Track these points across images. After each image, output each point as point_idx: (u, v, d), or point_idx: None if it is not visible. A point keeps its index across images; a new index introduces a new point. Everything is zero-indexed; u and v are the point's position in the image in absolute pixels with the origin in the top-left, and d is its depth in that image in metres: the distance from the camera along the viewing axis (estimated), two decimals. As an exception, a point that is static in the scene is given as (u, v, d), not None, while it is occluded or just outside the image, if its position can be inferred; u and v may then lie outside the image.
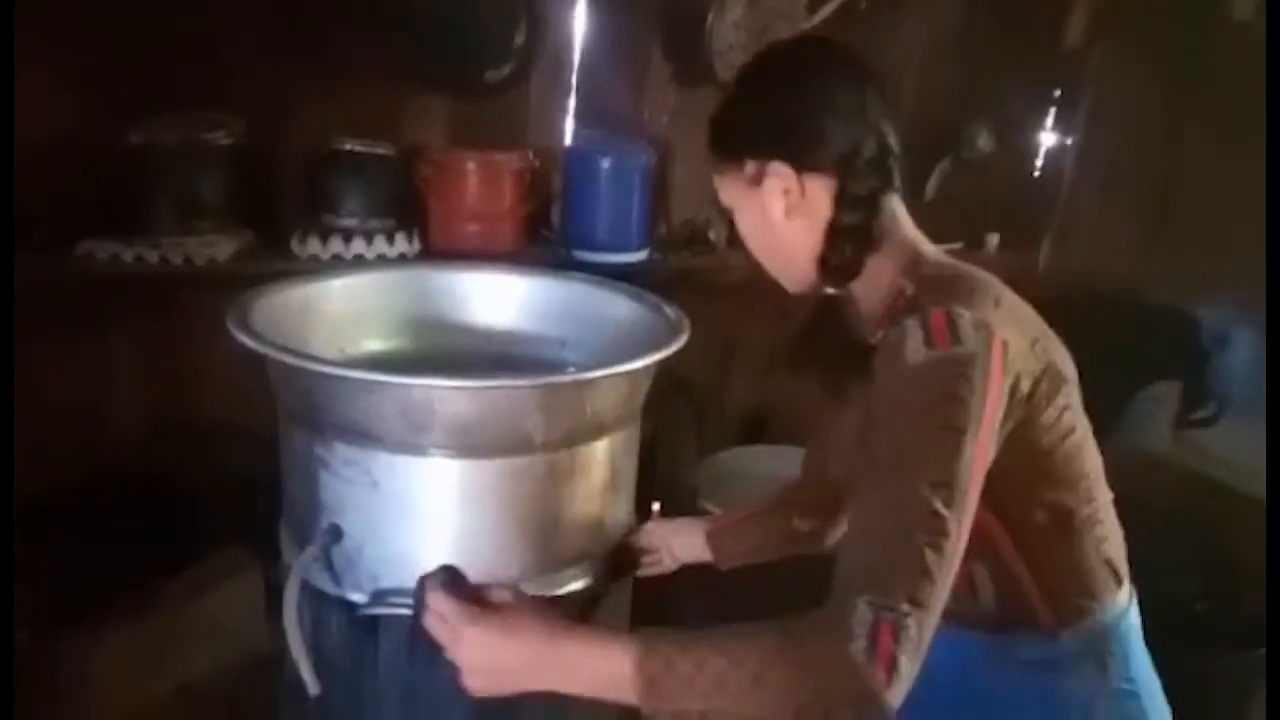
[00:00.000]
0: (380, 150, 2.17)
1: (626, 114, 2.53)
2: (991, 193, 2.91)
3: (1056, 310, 3.19)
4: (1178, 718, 2.16)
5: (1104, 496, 1.17)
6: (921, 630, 0.83)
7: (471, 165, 2.23)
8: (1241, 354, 2.91)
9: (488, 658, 0.92)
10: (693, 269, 2.56)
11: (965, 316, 0.95)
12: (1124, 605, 1.18)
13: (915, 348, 0.93)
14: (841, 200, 1.04)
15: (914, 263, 1.08)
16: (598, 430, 1.35)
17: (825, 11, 2.53)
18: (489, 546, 1.30)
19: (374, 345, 1.62)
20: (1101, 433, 3.01)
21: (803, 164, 1.05)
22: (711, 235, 2.62)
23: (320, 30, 2.12)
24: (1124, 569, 1.19)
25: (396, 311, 1.67)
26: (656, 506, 2.52)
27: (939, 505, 0.87)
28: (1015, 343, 0.98)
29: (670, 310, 1.55)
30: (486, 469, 1.27)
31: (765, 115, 1.09)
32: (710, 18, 2.37)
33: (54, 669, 1.71)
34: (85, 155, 1.99)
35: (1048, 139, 3.05)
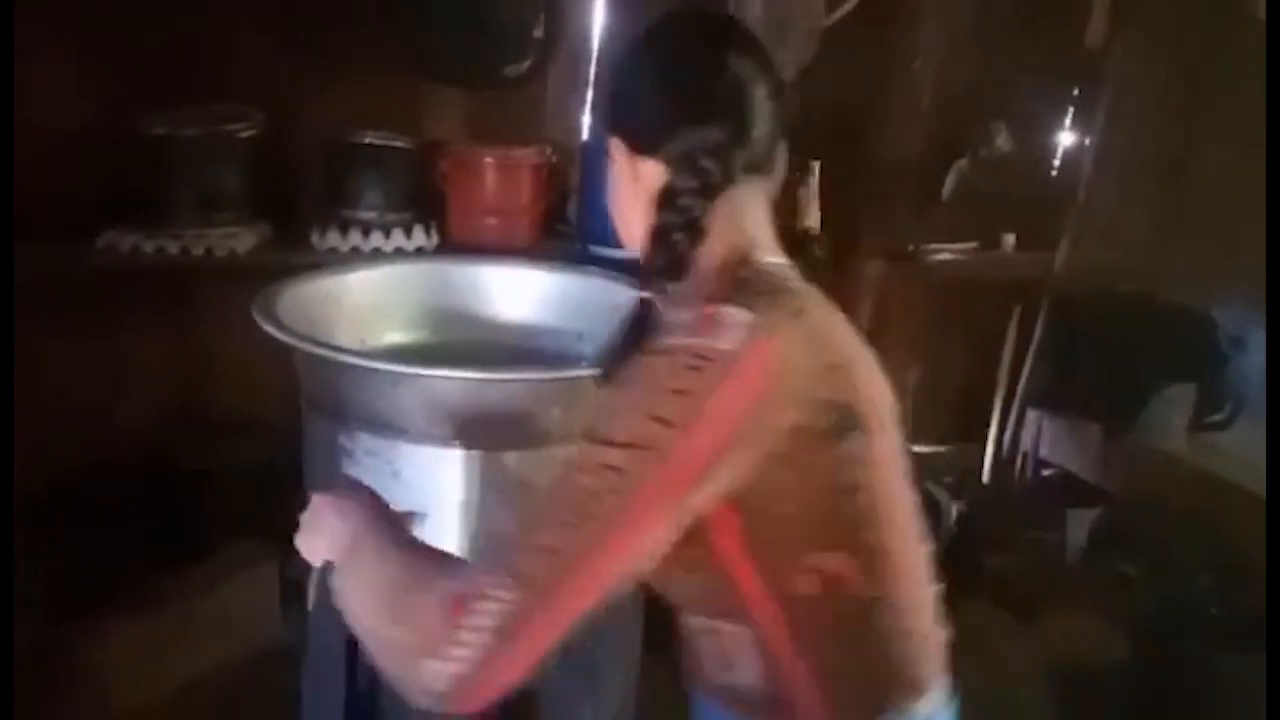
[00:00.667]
0: (399, 144, 2.19)
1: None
2: (1009, 192, 2.90)
3: (1072, 310, 3.20)
4: (1189, 713, 2.17)
5: (915, 587, 0.97)
6: (515, 611, 0.74)
7: (489, 160, 2.23)
8: (1258, 357, 2.89)
9: (312, 520, 0.93)
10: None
11: (737, 315, 0.83)
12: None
13: (670, 335, 0.83)
14: (666, 193, 0.91)
15: (738, 265, 0.93)
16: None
17: (845, 8, 2.52)
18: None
19: (394, 337, 1.63)
20: (1118, 433, 3.01)
21: (634, 147, 0.94)
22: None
23: (340, 25, 2.13)
24: (929, 676, 0.98)
25: (416, 304, 1.68)
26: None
27: (599, 488, 0.76)
28: (798, 360, 0.84)
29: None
30: (506, 460, 1.28)
31: (615, 89, 1.00)
32: (729, 12, 2.37)
33: (70, 659, 1.73)
34: (107, 147, 2.01)
35: (1066, 138, 3.04)
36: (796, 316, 0.88)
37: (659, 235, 0.91)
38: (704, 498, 0.80)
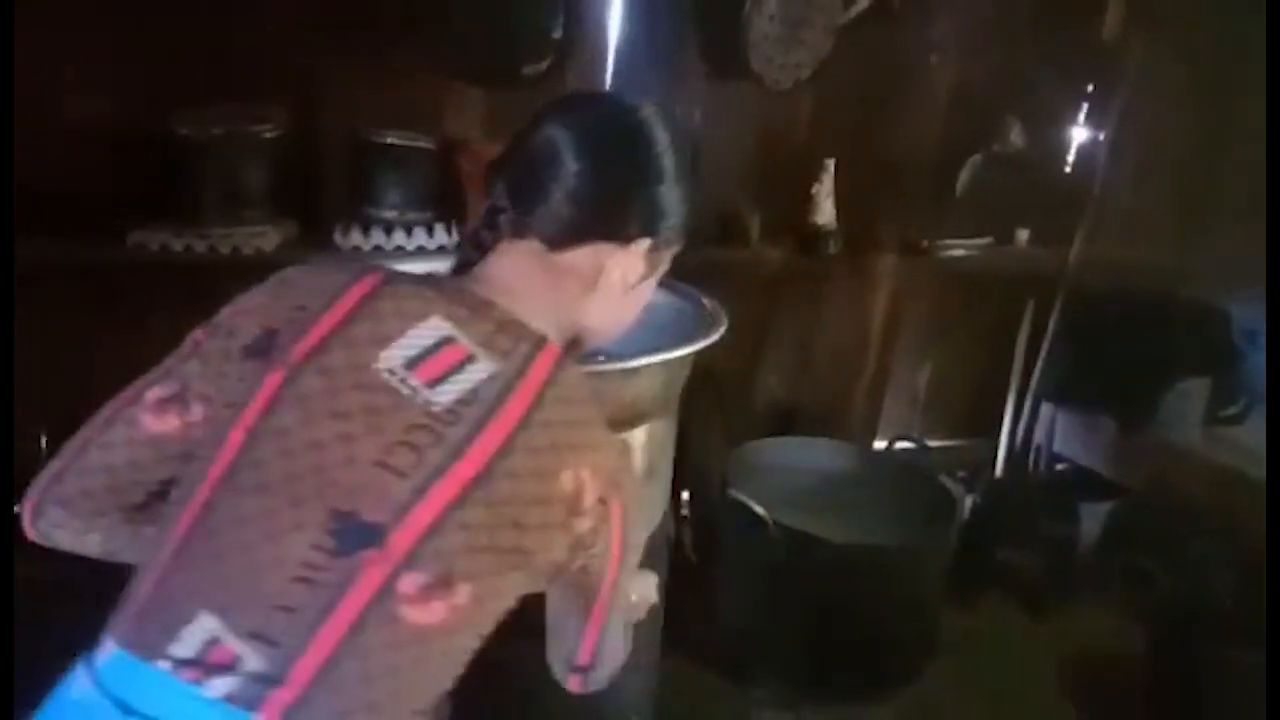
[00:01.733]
0: (420, 143, 2.22)
1: (661, 107, 2.56)
2: (1023, 188, 2.92)
3: (1086, 305, 3.21)
4: (1204, 708, 2.19)
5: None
6: (47, 466, 0.93)
7: (509, 158, 2.26)
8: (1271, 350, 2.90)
9: None
10: (725, 261, 2.59)
11: None
12: None
13: None
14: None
15: None
16: (637, 418, 1.39)
17: (861, 5, 2.54)
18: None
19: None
20: (1131, 427, 3.02)
21: None
22: (744, 229, 2.65)
23: (363, 25, 2.17)
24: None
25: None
26: (686, 496, 2.56)
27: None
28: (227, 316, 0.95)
29: (707, 301, 1.58)
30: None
31: None
32: (746, 11, 2.39)
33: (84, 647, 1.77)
34: (135, 147, 2.05)
35: (1080, 134, 3.05)
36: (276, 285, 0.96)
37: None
38: None
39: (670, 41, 2.55)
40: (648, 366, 1.36)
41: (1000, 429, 3.09)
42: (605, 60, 2.48)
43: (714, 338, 1.42)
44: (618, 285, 1.00)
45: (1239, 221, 2.87)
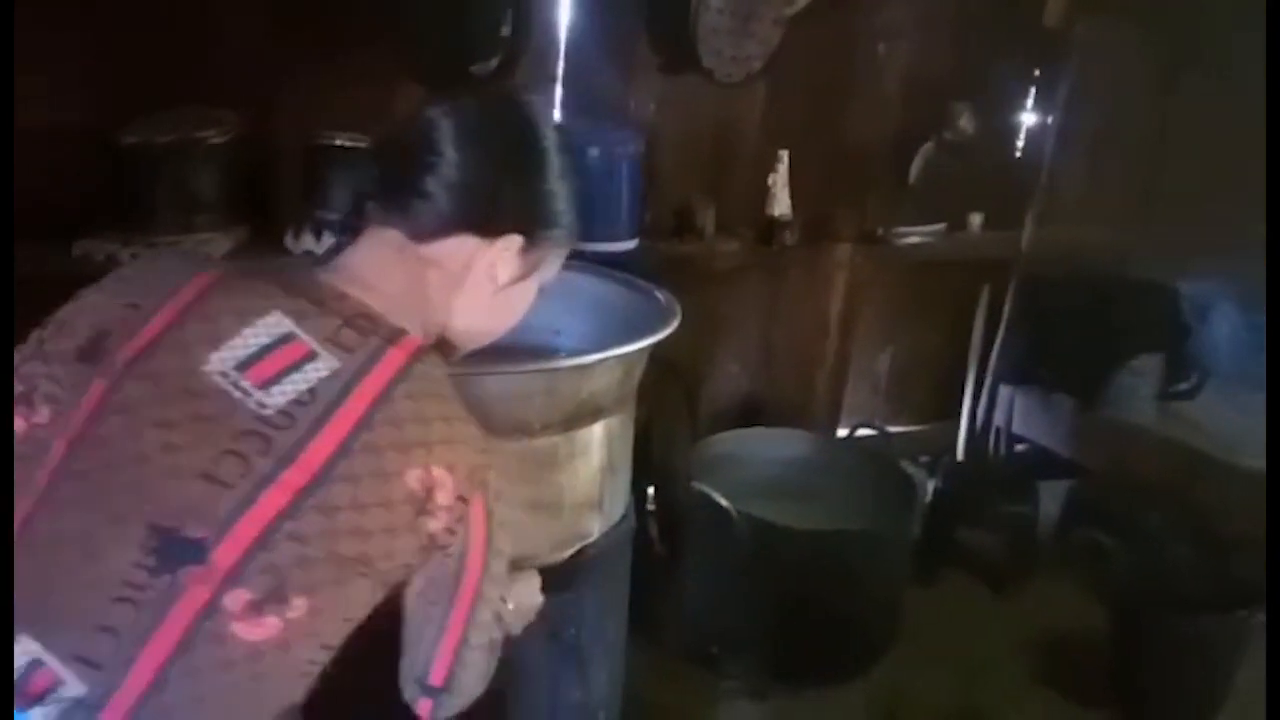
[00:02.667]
0: (370, 145, 2.20)
1: (613, 103, 2.56)
2: (975, 174, 2.95)
3: (1040, 287, 3.26)
4: (1165, 679, 2.24)
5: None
6: None
7: (461, 158, 2.25)
8: (1222, 327, 2.96)
9: None
10: (682, 255, 2.60)
11: None
12: None
13: None
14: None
15: None
16: (594, 414, 1.39)
17: (807, -3, 2.56)
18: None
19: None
20: (1088, 406, 3.07)
21: None
22: (700, 222, 2.65)
23: (311, 28, 2.14)
24: None
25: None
26: (651, 491, 2.56)
27: None
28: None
29: (661, 295, 1.59)
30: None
31: None
32: (695, 5, 2.39)
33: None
34: (81, 154, 2.01)
35: (1028, 119, 3.09)
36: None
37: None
38: None
39: (620, 37, 2.55)
40: (603, 362, 1.36)
41: (960, 412, 3.13)
42: (555, 57, 2.47)
43: (668, 331, 1.42)
44: (485, 283, 0.97)
45: (1187, 201, 2.93)
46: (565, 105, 2.51)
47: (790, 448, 2.64)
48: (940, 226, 3.00)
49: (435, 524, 0.86)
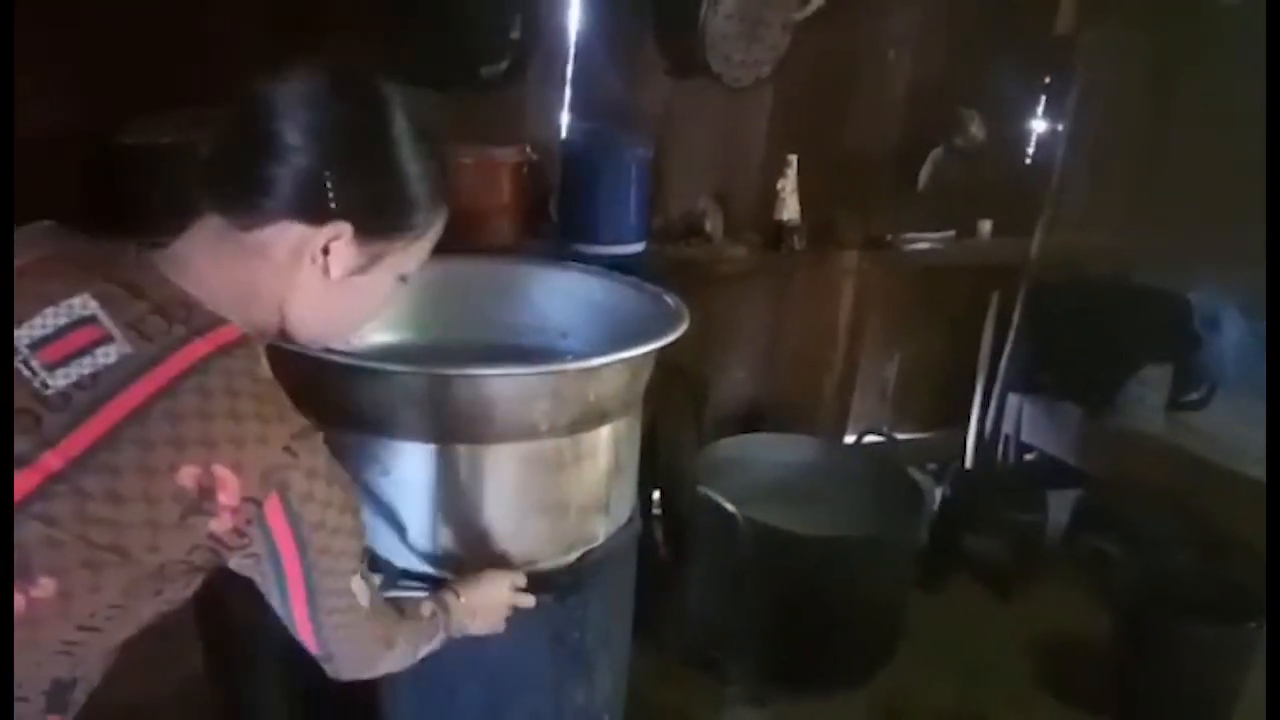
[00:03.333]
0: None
1: (622, 107, 2.56)
2: (984, 180, 2.94)
3: (1049, 295, 3.24)
4: (1170, 688, 2.22)
5: None
6: None
7: (469, 160, 2.25)
8: (1232, 336, 2.95)
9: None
10: (690, 260, 2.59)
11: None
12: None
13: None
14: None
15: None
16: (601, 417, 1.38)
17: (818, 1, 2.55)
18: (498, 530, 1.34)
19: (379, 337, 1.65)
20: (1097, 415, 3.06)
21: None
22: (708, 226, 2.65)
23: (313, 28, 2.14)
24: None
25: (401, 305, 1.68)
26: (656, 495, 2.56)
27: None
28: None
29: (669, 299, 1.58)
30: (494, 455, 1.31)
31: None
32: (703, 10, 2.39)
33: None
34: (79, 156, 2.01)
35: (1039, 125, 3.08)
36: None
37: None
38: None
39: (629, 41, 2.55)
40: (610, 365, 1.36)
41: (968, 420, 3.12)
42: (564, 61, 2.47)
43: (675, 335, 1.42)
44: (316, 273, 0.93)
45: (1198, 209, 2.92)
46: (574, 109, 2.52)
47: (797, 453, 2.63)
48: (949, 233, 2.99)
49: (218, 524, 0.85)
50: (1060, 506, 2.83)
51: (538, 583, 1.35)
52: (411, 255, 1.01)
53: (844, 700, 2.26)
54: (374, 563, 1.31)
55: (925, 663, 2.36)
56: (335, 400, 1.29)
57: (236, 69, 2.19)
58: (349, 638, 1.01)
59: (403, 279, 1.02)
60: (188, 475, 0.82)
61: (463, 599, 1.21)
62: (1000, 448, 3.12)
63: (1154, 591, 2.33)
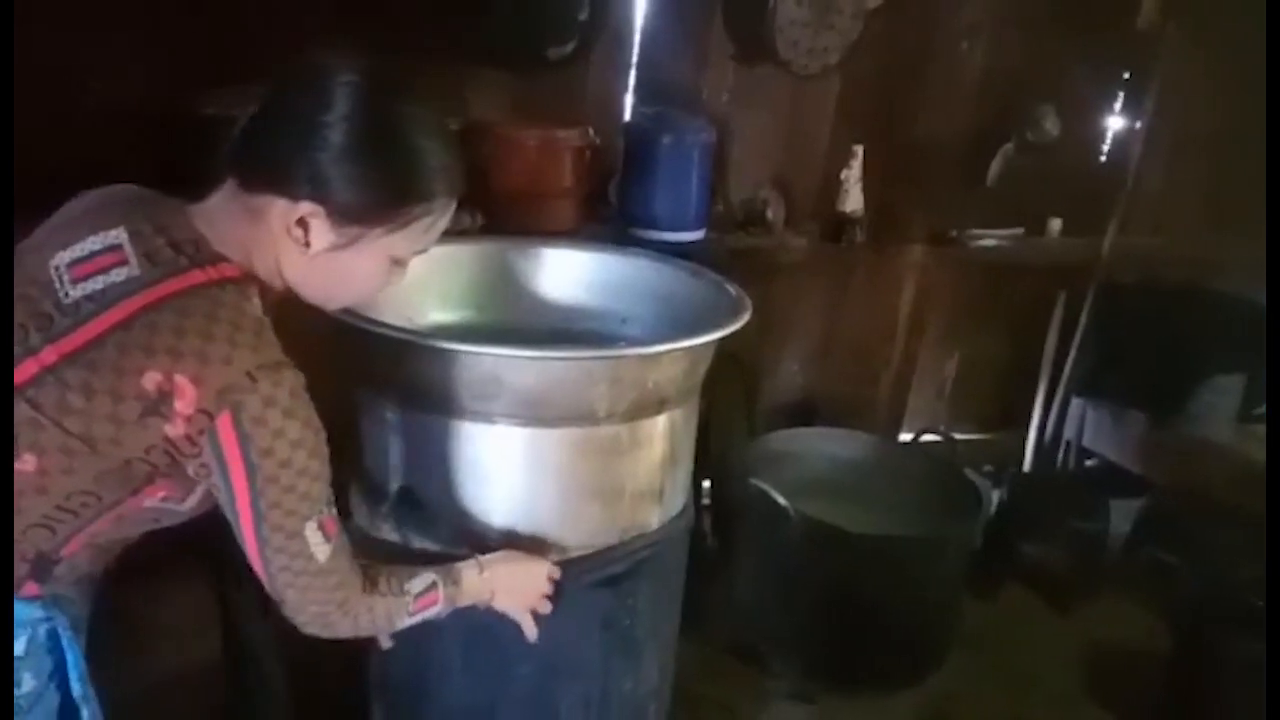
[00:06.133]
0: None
1: (686, 91, 2.53)
2: (1056, 177, 2.86)
3: (1118, 297, 3.15)
4: (1232, 706, 2.15)
5: None
6: None
7: (533, 141, 2.24)
8: (1310, 347, 2.84)
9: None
10: (749, 248, 2.56)
11: None
12: None
13: None
14: None
15: None
16: (659, 404, 1.37)
17: (890, -11, 2.50)
18: (552, 513, 1.33)
19: (439, 317, 1.66)
20: (1163, 423, 2.96)
21: None
22: (769, 215, 2.61)
23: (386, 6, 2.15)
24: None
25: (461, 284, 1.70)
26: (707, 484, 2.54)
27: None
28: None
29: (731, 288, 1.56)
30: (551, 438, 1.30)
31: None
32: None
33: (127, 618, 1.78)
34: (160, 128, 2.05)
35: (1115, 123, 2.99)
36: None
37: None
38: None
39: (697, 25, 2.52)
40: (671, 353, 1.34)
41: (1029, 423, 3.05)
42: (631, 43, 2.45)
43: (738, 325, 1.40)
44: (293, 243, 1.02)
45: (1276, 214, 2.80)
46: (638, 92, 2.50)
47: (850, 448, 2.59)
48: (1017, 230, 2.92)
49: (172, 429, 0.95)
50: (1121, 515, 2.76)
51: (590, 568, 1.35)
52: (401, 240, 1.06)
53: (890, 702, 2.23)
54: (427, 543, 1.32)
55: (975, 669, 2.32)
56: (396, 378, 1.29)
57: (309, 47, 2.22)
58: (295, 586, 1.05)
59: (398, 262, 1.09)
60: (150, 379, 0.93)
61: (486, 572, 1.23)
62: (1060, 452, 3.04)
63: (1217, 606, 2.26)
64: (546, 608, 1.29)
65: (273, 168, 1.00)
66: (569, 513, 1.34)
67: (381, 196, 1.02)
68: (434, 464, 1.31)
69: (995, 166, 2.81)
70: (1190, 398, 2.79)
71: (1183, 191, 3.04)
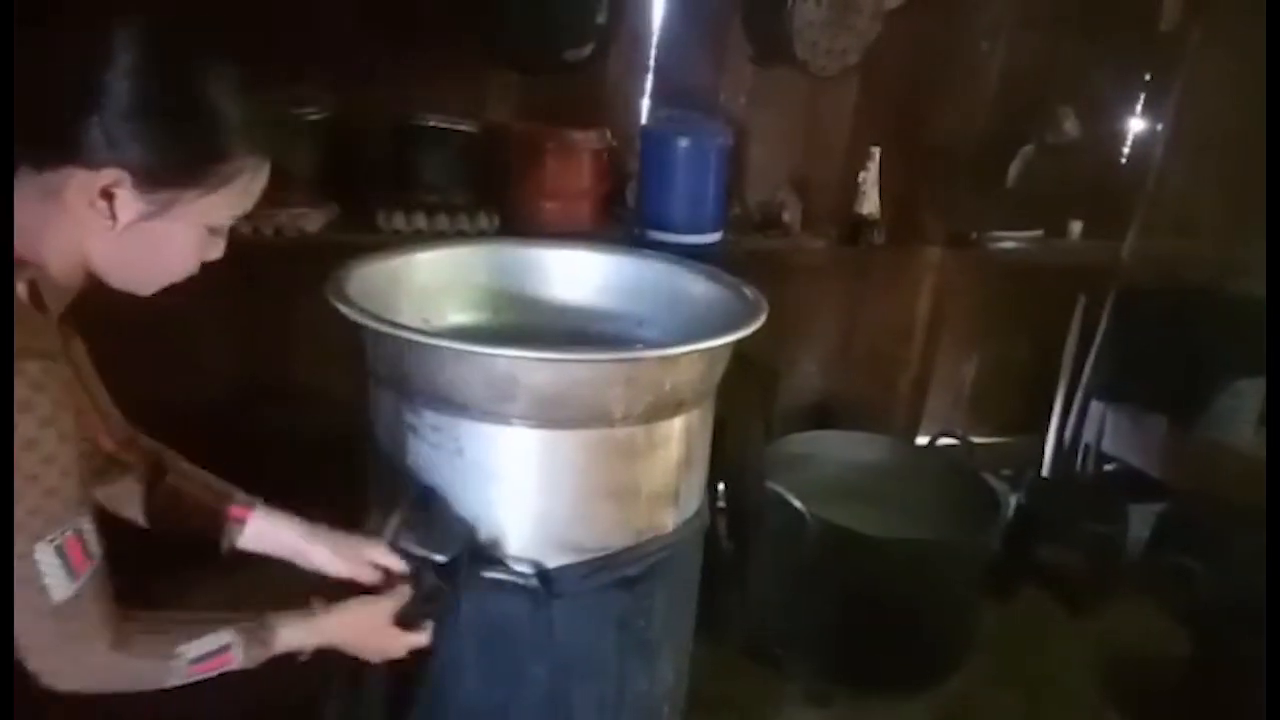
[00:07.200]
0: (462, 127, 2.22)
1: (704, 94, 2.53)
2: (1076, 179, 2.84)
3: (1139, 301, 3.12)
4: (1252, 714, 2.12)
5: None
6: None
7: (550, 143, 2.25)
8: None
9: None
10: (766, 250, 2.56)
11: None
12: None
13: None
14: None
15: None
16: (676, 407, 1.37)
17: (909, -11, 2.49)
18: (568, 514, 1.34)
19: (457, 318, 1.67)
20: (1184, 427, 2.94)
21: None
22: (786, 217, 2.61)
23: (407, 9, 2.16)
24: None
25: (478, 286, 1.71)
26: (722, 487, 2.54)
27: None
28: None
29: (748, 290, 1.56)
30: (567, 440, 1.31)
31: None
32: (792, -5, 2.35)
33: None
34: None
35: (1136, 125, 2.97)
36: None
37: None
38: None
39: (714, 27, 2.53)
40: (687, 355, 1.35)
41: (1048, 426, 3.03)
42: (648, 46, 2.46)
43: (754, 327, 1.39)
44: (97, 217, 0.94)
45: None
46: (655, 94, 2.50)
47: (867, 452, 2.58)
48: (1037, 232, 2.90)
49: None
50: (1141, 520, 2.73)
51: (606, 570, 1.35)
52: (215, 205, 1.00)
53: (907, 705, 2.22)
54: (443, 543, 1.32)
55: (992, 673, 2.31)
56: (413, 379, 1.30)
57: (330, 49, 2.23)
58: (23, 624, 0.93)
59: (213, 231, 1.02)
60: None
61: (318, 626, 1.16)
62: (1079, 456, 3.02)
63: (1237, 612, 2.24)
64: (417, 640, 1.24)
65: (66, 138, 0.91)
66: (585, 514, 1.34)
67: (189, 154, 0.96)
68: (449, 465, 1.31)
69: (1015, 168, 2.79)
70: (1211, 402, 2.77)
71: (1204, 194, 3.01)
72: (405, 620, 1.23)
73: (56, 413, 0.90)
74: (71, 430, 0.93)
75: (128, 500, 1.26)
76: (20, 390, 0.87)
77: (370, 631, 1.21)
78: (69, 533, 0.93)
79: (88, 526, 0.96)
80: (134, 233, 0.97)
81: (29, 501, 0.89)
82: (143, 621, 1.02)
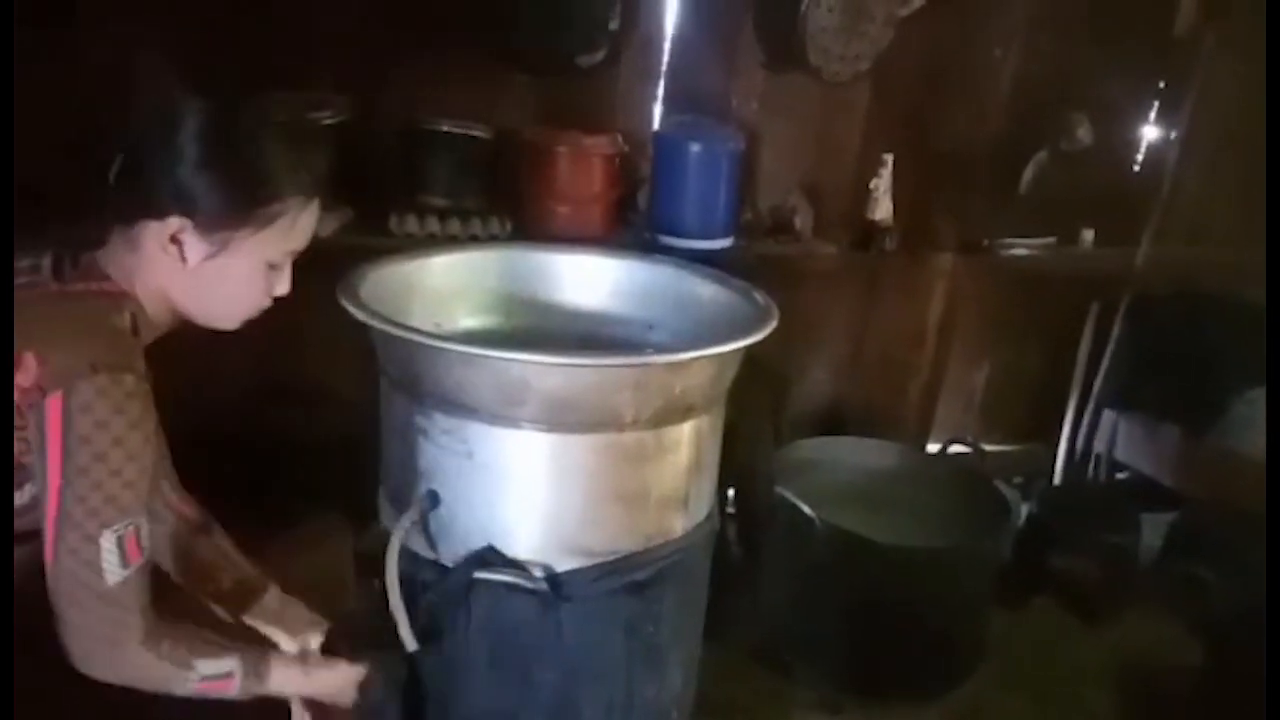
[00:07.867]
0: (474, 132, 2.23)
1: (716, 99, 2.54)
2: (1089, 186, 2.83)
3: (1152, 308, 3.10)
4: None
5: None
6: None
7: (562, 148, 2.26)
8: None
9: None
10: (777, 256, 2.56)
11: None
12: None
13: None
14: None
15: None
16: (685, 411, 1.37)
17: (922, -3, 2.49)
18: (577, 518, 1.34)
19: (468, 321, 1.67)
20: (1196, 435, 2.92)
21: None
22: (798, 223, 2.61)
23: (420, 14, 2.18)
24: None
25: (490, 290, 1.71)
26: (731, 493, 2.54)
27: None
28: None
29: (758, 295, 1.56)
30: (577, 444, 1.31)
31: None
32: (805, 2, 2.35)
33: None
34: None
35: (1150, 132, 2.95)
36: None
37: None
38: None
39: (727, 33, 2.53)
40: (697, 360, 1.34)
41: (1059, 434, 3.01)
42: (661, 51, 2.47)
43: (765, 332, 1.39)
44: (173, 263, 1.10)
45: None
46: (667, 100, 2.51)
47: (878, 458, 2.58)
48: (1050, 240, 2.89)
49: (16, 397, 1.01)
50: (1153, 529, 2.72)
51: (615, 574, 1.35)
52: (268, 242, 1.15)
53: (917, 713, 2.21)
54: (453, 546, 1.32)
55: (1002, 682, 2.30)
56: (425, 382, 1.31)
57: (344, 54, 2.24)
58: (73, 600, 1.04)
59: (273, 266, 1.17)
60: (26, 360, 1.01)
61: (305, 675, 1.27)
62: (1091, 465, 3.01)
63: (1250, 622, 2.22)
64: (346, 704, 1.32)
65: (141, 195, 1.09)
66: (594, 518, 1.34)
67: (237, 197, 1.10)
68: (460, 468, 1.32)
69: (1028, 175, 2.79)
70: (1225, 410, 2.75)
71: (1218, 200, 3.00)
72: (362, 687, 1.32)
73: (143, 420, 1.04)
74: (152, 438, 1.07)
75: (161, 548, 1.37)
76: (117, 396, 1.01)
77: (338, 697, 1.32)
78: (131, 526, 1.05)
79: (145, 526, 1.07)
80: (203, 271, 1.12)
81: (108, 490, 1.02)
82: (171, 627, 1.12)
